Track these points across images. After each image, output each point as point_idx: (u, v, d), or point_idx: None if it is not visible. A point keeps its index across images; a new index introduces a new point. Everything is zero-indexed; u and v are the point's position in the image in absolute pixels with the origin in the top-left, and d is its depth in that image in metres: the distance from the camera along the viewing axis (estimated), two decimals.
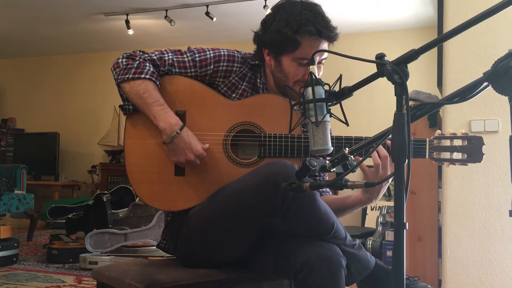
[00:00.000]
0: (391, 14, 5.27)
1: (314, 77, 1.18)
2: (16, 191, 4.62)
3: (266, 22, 1.64)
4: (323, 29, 1.55)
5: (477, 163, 1.46)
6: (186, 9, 5.25)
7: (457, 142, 1.48)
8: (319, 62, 1.62)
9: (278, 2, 1.65)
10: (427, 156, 1.51)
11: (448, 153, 1.49)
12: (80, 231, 4.13)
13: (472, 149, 1.45)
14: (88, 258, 3.54)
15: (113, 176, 6.43)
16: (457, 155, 1.48)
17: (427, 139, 1.51)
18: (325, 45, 1.58)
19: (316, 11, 1.57)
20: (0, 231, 3.79)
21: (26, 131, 7.36)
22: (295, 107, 1.26)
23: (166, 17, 5.34)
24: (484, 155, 1.46)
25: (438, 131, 1.52)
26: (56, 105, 7.34)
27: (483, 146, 1.46)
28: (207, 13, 5.18)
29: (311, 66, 1.22)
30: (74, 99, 7.24)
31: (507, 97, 0.98)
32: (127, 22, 5.53)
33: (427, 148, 1.50)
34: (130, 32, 5.71)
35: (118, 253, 3.68)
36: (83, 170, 6.88)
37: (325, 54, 1.61)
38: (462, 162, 1.47)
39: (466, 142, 1.47)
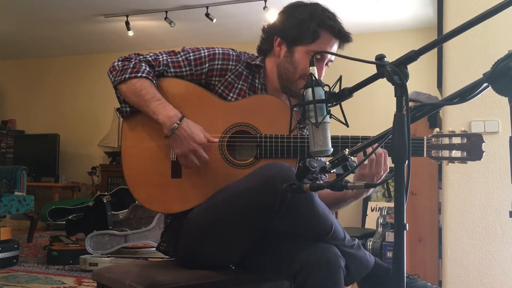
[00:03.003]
0: (391, 15, 5.27)
1: (314, 78, 1.18)
2: (16, 193, 4.61)
3: (285, 12, 1.67)
4: (342, 29, 1.63)
5: (477, 160, 1.43)
6: (186, 11, 5.26)
7: (456, 140, 1.46)
8: (326, 63, 1.66)
9: (297, 1, 1.69)
10: (425, 155, 1.49)
11: (447, 151, 1.47)
12: (80, 233, 4.13)
13: (472, 147, 1.43)
14: (88, 260, 3.54)
15: (113, 178, 6.43)
16: (456, 153, 1.46)
17: (425, 137, 1.49)
18: (336, 46, 1.65)
19: (334, 14, 1.65)
20: (0, 233, 3.78)
21: (26, 133, 7.36)
22: (295, 109, 1.26)
23: (166, 18, 5.35)
24: (484, 153, 1.43)
25: (437, 129, 1.49)
26: (56, 107, 7.34)
27: (483, 144, 1.43)
28: (207, 14, 5.19)
29: (310, 68, 1.22)
30: (74, 100, 7.24)
31: (507, 98, 0.98)
32: (127, 23, 5.53)
33: (425, 146, 1.49)
34: (130, 33, 5.71)
35: (118, 254, 3.68)
36: (83, 172, 6.88)
37: (333, 57, 1.66)
38: (462, 160, 1.45)
39: (466, 140, 1.45)
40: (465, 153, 1.45)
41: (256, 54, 1.75)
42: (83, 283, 3.21)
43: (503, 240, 2.45)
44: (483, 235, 2.48)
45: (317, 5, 1.65)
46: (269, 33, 1.70)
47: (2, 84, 7.70)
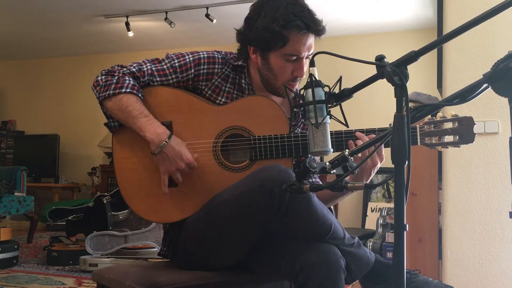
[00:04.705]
0: (391, 15, 5.27)
1: (314, 79, 1.18)
2: (16, 193, 4.61)
3: (250, 19, 1.61)
4: (311, 23, 1.52)
5: (470, 143, 1.42)
6: (186, 11, 5.26)
7: (448, 125, 1.45)
8: (306, 57, 1.59)
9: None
10: (418, 143, 1.48)
11: (440, 137, 1.46)
12: (80, 233, 4.12)
13: (463, 130, 1.42)
14: (88, 260, 3.53)
15: (113, 178, 6.42)
16: (448, 138, 1.45)
17: (418, 125, 1.48)
18: (312, 39, 1.56)
19: (301, 4, 1.54)
20: (0, 233, 3.78)
21: (26, 133, 7.36)
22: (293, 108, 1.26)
23: (166, 19, 5.35)
24: (476, 135, 1.42)
25: (428, 116, 1.47)
26: (56, 107, 7.34)
27: (474, 126, 1.43)
28: (207, 15, 5.19)
29: (311, 68, 1.22)
30: (74, 101, 7.24)
31: (507, 99, 0.98)
32: (127, 24, 5.53)
33: (418, 134, 1.48)
34: (130, 34, 5.71)
35: (118, 255, 3.68)
36: (83, 172, 6.88)
37: (313, 50, 1.58)
38: (454, 144, 1.44)
39: (457, 124, 1.44)
40: (457, 137, 1.44)
41: None
42: (83, 284, 3.21)
43: (503, 240, 2.45)
44: (483, 235, 2.48)
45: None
46: (242, 42, 1.65)
47: (2, 85, 7.70)
